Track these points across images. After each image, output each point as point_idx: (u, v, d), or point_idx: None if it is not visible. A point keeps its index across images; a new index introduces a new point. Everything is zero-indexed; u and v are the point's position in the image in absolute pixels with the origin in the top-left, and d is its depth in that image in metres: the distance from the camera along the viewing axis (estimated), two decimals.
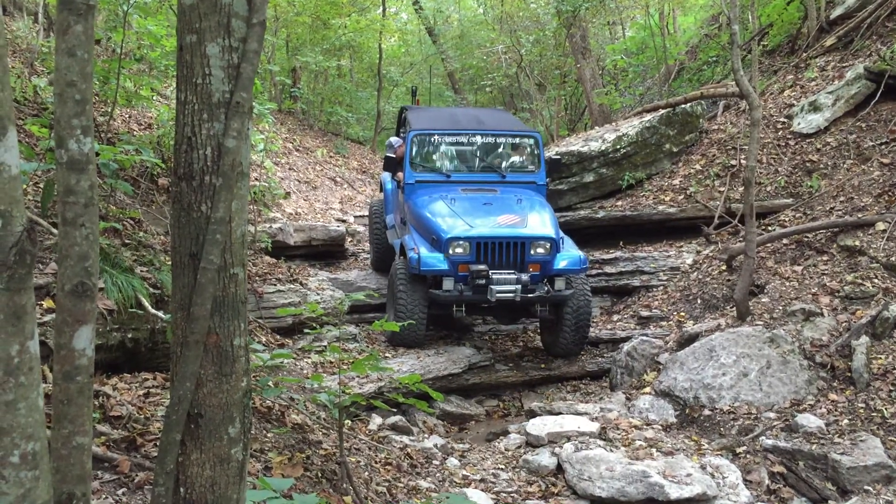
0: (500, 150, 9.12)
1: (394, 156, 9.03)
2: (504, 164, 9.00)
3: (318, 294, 8.73)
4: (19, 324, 1.26)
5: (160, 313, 4.73)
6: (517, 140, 9.17)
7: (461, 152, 9.05)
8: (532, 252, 7.58)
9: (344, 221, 12.53)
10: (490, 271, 7.42)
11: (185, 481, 1.97)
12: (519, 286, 7.38)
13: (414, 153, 8.78)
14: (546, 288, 7.60)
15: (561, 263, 7.67)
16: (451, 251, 7.52)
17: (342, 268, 10.99)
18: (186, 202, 1.98)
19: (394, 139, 9.73)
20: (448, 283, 7.51)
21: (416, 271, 7.54)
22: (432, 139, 8.95)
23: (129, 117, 8.99)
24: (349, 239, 11.88)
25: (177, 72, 2.02)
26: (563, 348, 8.07)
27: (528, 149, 9.11)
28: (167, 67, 8.33)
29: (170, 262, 5.30)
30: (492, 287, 7.36)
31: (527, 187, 8.72)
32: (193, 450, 1.97)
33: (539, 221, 7.88)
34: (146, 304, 4.77)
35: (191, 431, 1.97)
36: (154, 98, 8.46)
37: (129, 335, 4.73)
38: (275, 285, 8.48)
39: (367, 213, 13.65)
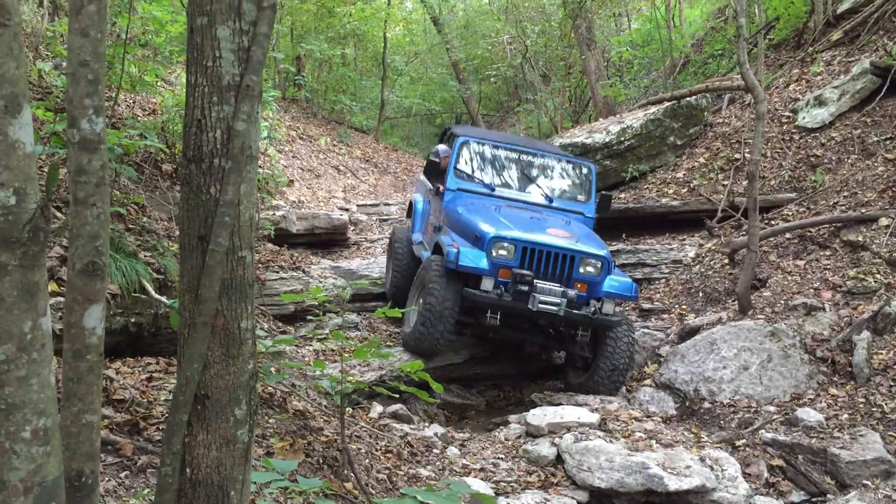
0: (550, 174, 8.46)
1: (438, 161, 8.29)
2: (552, 190, 8.31)
3: (321, 282, 8.74)
4: (32, 301, 1.27)
5: (164, 298, 4.75)
6: (570, 166, 8.52)
7: (508, 169, 8.38)
8: (581, 269, 6.92)
9: (347, 210, 12.55)
10: (535, 280, 6.75)
11: (191, 462, 1.98)
12: (565, 300, 6.67)
13: (460, 161, 8.15)
14: (593, 308, 6.85)
15: (610, 287, 6.95)
16: (494, 252, 6.82)
17: (344, 256, 11.01)
18: (195, 184, 1.99)
19: (441, 147, 9.00)
20: (487, 284, 6.80)
21: (452, 265, 6.79)
22: (481, 150, 8.32)
23: (134, 103, 8.99)
24: (352, 227, 11.90)
25: (187, 54, 2.03)
26: (600, 382, 7.10)
27: (580, 178, 8.45)
28: (172, 53, 8.33)
29: (174, 248, 5.32)
30: (535, 295, 6.65)
31: (574, 217, 8.07)
32: (200, 431, 1.98)
33: (590, 240, 7.31)
34: (150, 288, 4.79)
35: (197, 413, 1.98)
36: (158, 84, 8.46)
37: (133, 320, 4.75)
38: (277, 273, 8.50)
39: (371, 203, 13.67)
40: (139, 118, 8.37)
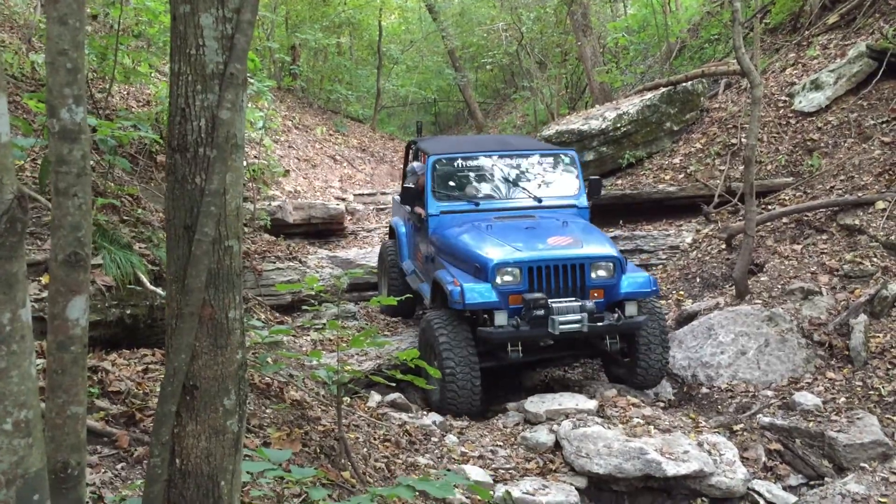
0: (533, 172, 8.01)
1: (414, 186, 7.76)
2: (539, 188, 7.84)
3: (318, 272, 8.74)
4: (11, 292, 1.26)
5: (159, 290, 4.74)
6: (551, 160, 8.07)
7: (489, 178, 7.89)
8: (593, 275, 6.45)
9: (343, 200, 12.53)
10: (549, 300, 6.28)
11: (180, 452, 1.98)
12: (585, 314, 6.20)
13: (435, 182, 7.61)
14: (616, 315, 6.42)
15: (628, 287, 6.51)
16: (498, 280, 6.32)
17: (342, 246, 11.01)
18: (181, 174, 1.98)
19: (416, 164, 8.48)
20: (501, 318, 6.27)
21: (458, 306, 6.28)
22: (455, 164, 7.76)
23: (128, 94, 8.96)
24: (348, 217, 11.88)
25: (171, 42, 2.01)
26: (642, 380, 6.81)
27: (565, 168, 8.00)
28: (165, 44, 8.29)
29: None
30: (553, 318, 6.17)
31: (567, 211, 7.62)
32: (189, 421, 1.98)
33: (595, 241, 6.82)
34: (145, 280, 4.78)
35: (186, 403, 1.98)
36: (152, 74, 8.43)
37: (128, 311, 4.74)
38: (274, 263, 8.50)
39: (368, 192, 13.64)
40: (133, 109, 8.35)
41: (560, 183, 7.94)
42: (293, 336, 6.92)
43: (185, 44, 1.96)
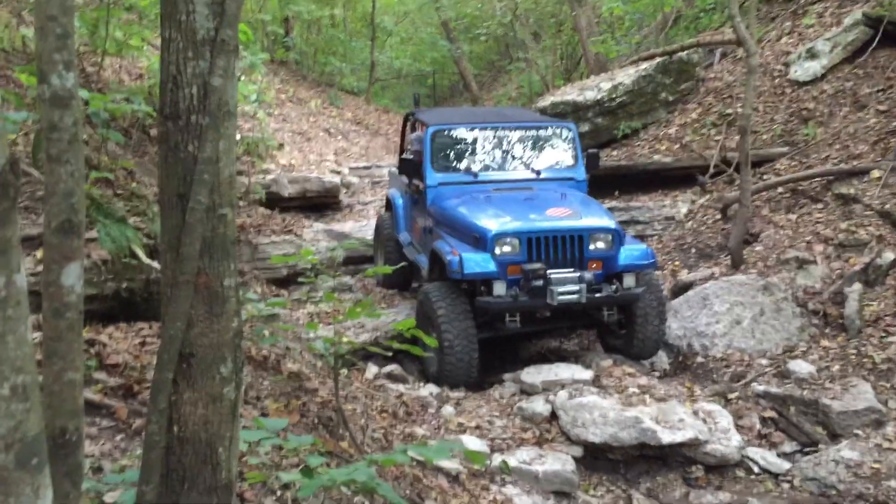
0: (531, 144, 7.99)
1: (413, 158, 7.74)
2: (537, 160, 7.84)
3: (313, 245, 8.74)
4: (5, 257, 1.26)
5: (154, 263, 4.73)
6: (549, 132, 8.03)
7: (487, 149, 7.87)
8: (592, 247, 6.47)
9: (338, 173, 12.48)
10: (547, 271, 6.28)
11: (178, 419, 1.99)
12: (583, 286, 6.23)
13: (434, 153, 7.57)
14: (615, 286, 6.46)
15: (626, 259, 6.54)
16: (497, 250, 6.33)
17: (337, 219, 11.00)
18: (173, 142, 1.97)
19: (415, 135, 8.45)
20: (500, 288, 6.28)
21: (456, 276, 6.30)
22: (453, 136, 7.77)
23: (120, 67, 8.89)
24: (344, 190, 11.86)
25: (161, 9, 1.99)
26: (639, 352, 6.87)
27: (563, 141, 7.95)
28: (157, 16, 8.20)
29: None
30: (552, 289, 6.20)
31: (565, 184, 7.59)
32: (186, 389, 1.99)
33: (594, 213, 6.84)
34: (140, 253, 4.77)
35: (183, 371, 1.98)
36: (144, 48, 8.35)
37: (124, 285, 4.74)
38: (269, 237, 8.50)
39: (363, 165, 13.61)
40: (125, 83, 8.29)
41: (558, 156, 7.93)
42: (290, 309, 6.93)
43: (175, 10, 1.94)
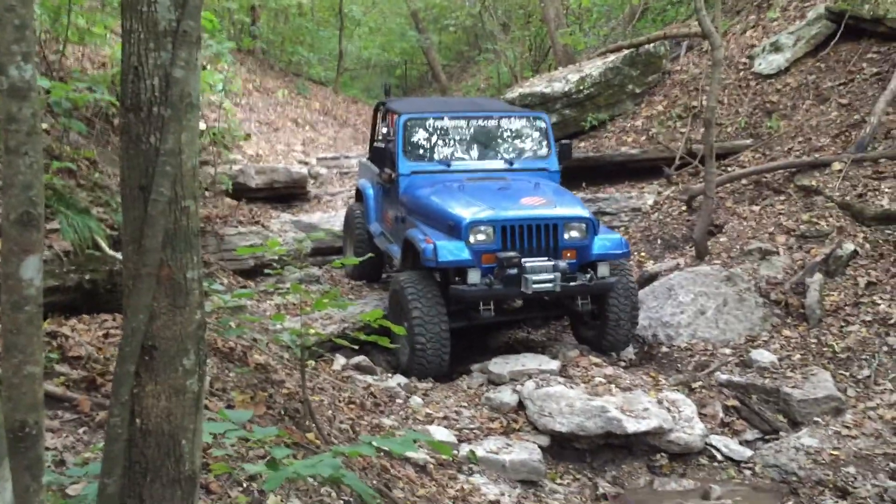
0: (504, 134, 7.97)
1: (384, 147, 7.73)
2: (510, 151, 7.85)
3: (281, 236, 8.69)
4: None
5: (118, 254, 4.68)
6: (522, 123, 8.01)
7: (460, 139, 7.80)
8: (566, 236, 6.47)
9: (306, 164, 12.42)
10: (522, 259, 6.27)
11: (140, 412, 1.98)
12: (558, 274, 6.23)
13: (407, 141, 7.53)
14: (589, 275, 6.45)
15: (600, 248, 6.56)
16: (472, 238, 6.31)
17: (305, 210, 10.94)
18: (135, 134, 1.95)
19: (383, 126, 8.43)
20: (474, 276, 6.26)
21: (431, 264, 6.28)
22: (426, 125, 7.69)
23: (82, 55, 8.75)
24: (311, 181, 11.80)
25: None
26: (611, 344, 6.89)
27: (536, 132, 7.94)
28: (120, 4, 8.10)
29: None
30: (526, 277, 6.19)
31: (538, 174, 7.57)
32: (148, 381, 1.98)
33: (568, 202, 6.86)
34: (103, 245, 4.72)
35: (145, 363, 1.98)
36: (108, 36, 8.23)
37: (87, 276, 4.69)
38: (236, 227, 8.44)
39: (331, 156, 13.54)
40: (88, 71, 8.17)
41: (531, 146, 7.94)
42: (256, 300, 6.90)
43: (136, 0, 1.93)
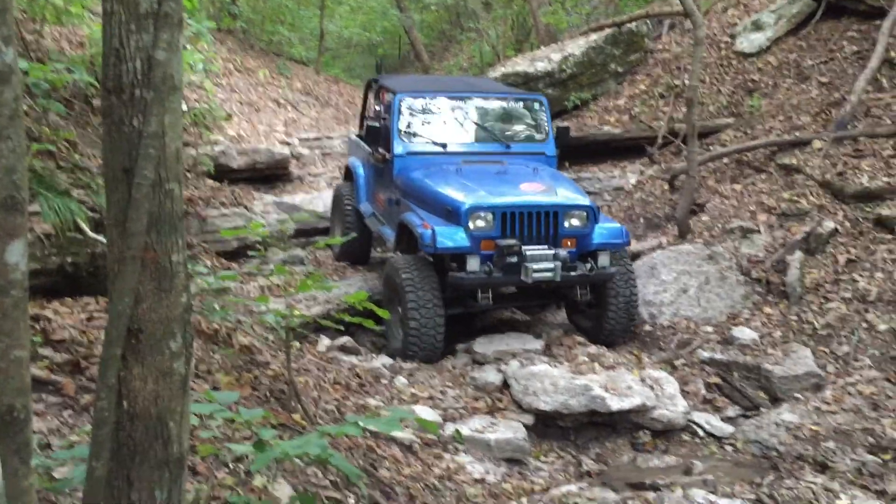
0: (502, 116, 7.82)
1: (379, 125, 7.48)
2: (507, 133, 7.67)
3: (263, 217, 8.66)
4: None
5: (100, 237, 4.66)
6: (520, 105, 7.90)
7: (457, 120, 7.65)
8: (566, 224, 6.34)
9: (288, 144, 12.34)
10: (522, 247, 6.15)
11: (127, 395, 1.98)
12: (558, 263, 6.11)
13: (402, 121, 7.35)
14: (589, 265, 6.36)
15: (601, 237, 6.45)
16: (471, 225, 6.16)
17: (287, 191, 10.89)
18: (117, 116, 1.94)
19: (376, 105, 8.17)
20: (473, 263, 6.12)
21: (429, 250, 6.14)
22: (422, 105, 7.53)
23: (60, 35, 8.63)
24: (294, 162, 11.73)
25: None
26: (610, 334, 6.74)
27: (534, 114, 7.81)
28: None
29: None
30: (527, 265, 6.06)
31: (535, 158, 7.46)
32: (135, 364, 1.98)
33: (568, 189, 6.73)
34: (85, 227, 4.69)
35: (132, 346, 1.98)
36: (86, 15, 8.12)
37: (69, 259, 4.66)
38: (218, 209, 8.38)
39: (313, 136, 13.46)
40: (66, 52, 8.06)
41: (529, 129, 7.80)
42: (240, 282, 6.88)
43: None
